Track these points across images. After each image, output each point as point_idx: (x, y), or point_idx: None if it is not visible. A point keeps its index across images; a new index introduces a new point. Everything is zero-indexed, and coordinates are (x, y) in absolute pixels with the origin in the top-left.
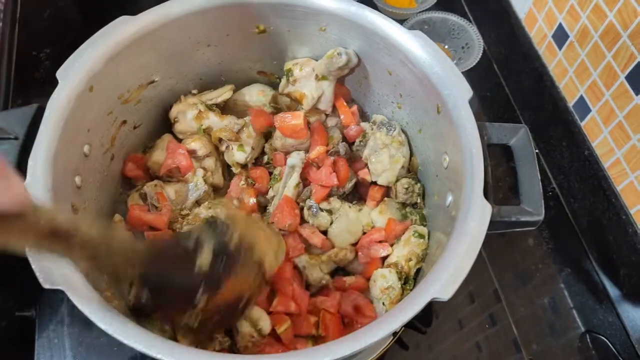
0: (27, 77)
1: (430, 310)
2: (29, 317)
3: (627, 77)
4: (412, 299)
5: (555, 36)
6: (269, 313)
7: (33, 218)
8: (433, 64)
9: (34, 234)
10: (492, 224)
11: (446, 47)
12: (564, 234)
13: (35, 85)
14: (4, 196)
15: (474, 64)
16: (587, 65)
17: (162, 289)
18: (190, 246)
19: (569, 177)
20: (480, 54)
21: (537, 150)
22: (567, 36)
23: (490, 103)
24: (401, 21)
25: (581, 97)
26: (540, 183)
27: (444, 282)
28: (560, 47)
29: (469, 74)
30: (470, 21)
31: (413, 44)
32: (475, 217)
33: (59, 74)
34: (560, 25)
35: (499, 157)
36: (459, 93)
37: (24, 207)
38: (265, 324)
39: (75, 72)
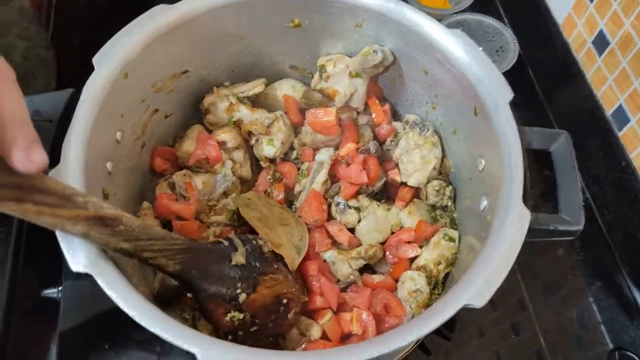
0: (63, 63)
1: (454, 316)
2: (53, 298)
3: None
4: (443, 305)
5: (595, 42)
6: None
7: (82, 203)
8: (472, 64)
9: (84, 218)
10: (530, 232)
11: (480, 49)
12: (596, 246)
13: (71, 72)
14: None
15: (508, 67)
16: (628, 73)
17: (201, 284)
18: (225, 245)
19: (603, 187)
20: (516, 58)
21: None
22: (608, 43)
23: (524, 109)
24: None
25: (620, 106)
26: (580, 192)
27: (478, 289)
28: (600, 54)
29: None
30: (506, 24)
31: (452, 43)
32: (513, 224)
33: (95, 60)
34: (601, 32)
35: (530, 163)
36: (499, 94)
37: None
38: (314, 329)
39: (110, 59)
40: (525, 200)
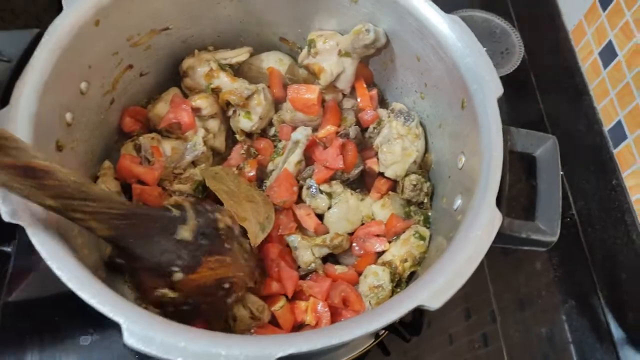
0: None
1: (422, 320)
2: (6, 252)
3: None
4: (398, 302)
5: (602, 53)
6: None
7: (9, 149)
8: (466, 54)
9: (8, 165)
10: (500, 237)
11: (485, 49)
12: (575, 264)
13: (39, 11)
14: None
15: (511, 70)
16: (631, 89)
17: (136, 254)
18: (175, 215)
19: (590, 204)
20: (519, 62)
21: (562, 172)
22: (615, 55)
23: (521, 114)
24: None
25: (619, 122)
26: (561, 202)
27: (435, 290)
28: (605, 66)
29: (504, 80)
30: (514, 26)
31: (448, 29)
32: (482, 225)
33: (65, 0)
34: (609, 42)
35: (519, 171)
36: (489, 89)
37: None
38: (266, 314)
39: (82, 1)
40: (499, 203)
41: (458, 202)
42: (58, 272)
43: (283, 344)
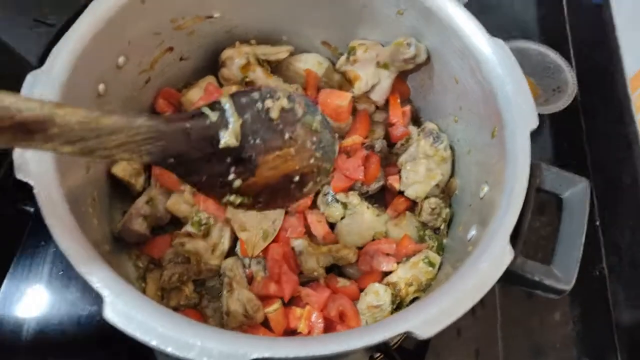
0: None
1: (425, 352)
2: (27, 211)
3: None
4: (385, 324)
5: None
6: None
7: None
8: (505, 81)
9: (4, 127)
10: (510, 276)
11: (535, 83)
12: (598, 321)
13: None
14: None
15: (561, 109)
16: None
17: (183, 172)
18: (212, 121)
19: (623, 261)
20: (570, 102)
21: (597, 223)
22: None
23: (564, 155)
24: None
25: None
26: (582, 250)
27: (427, 318)
28: None
29: (552, 118)
30: (571, 64)
31: (491, 53)
32: (490, 259)
33: None
34: None
35: (548, 211)
36: (523, 120)
37: None
38: (259, 314)
39: None
40: (515, 239)
41: (472, 232)
42: (53, 232)
43: (259, 346)
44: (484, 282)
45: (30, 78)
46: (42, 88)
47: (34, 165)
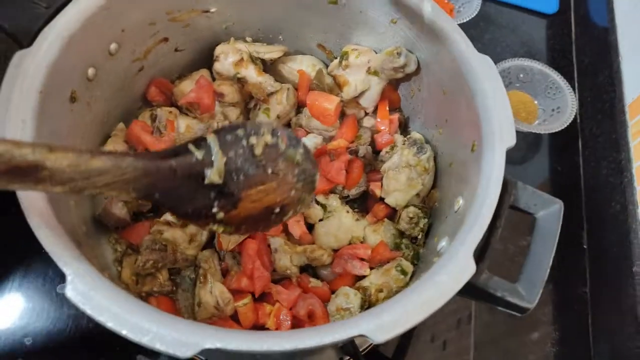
0: None
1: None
2: None
3: None
4: (341, 325)
5: None
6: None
7: None
8: (488, 96)
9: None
10: (474, 290)
11: (536, 102)
12: (576, 346)
13: None
14: None
15: (559, 129)
16: None
17: (170, 206)
18: (198, 158)
19: (607, 285)
20: (568, 123)
21: (585, 246)
22: None
23: (558, 174)
24: None
25: None
26: (548, 270)
27: (382, 323)
28: None
29: (550, 137)
30: (573, 86)
31: (478, 67)
32: (451, 272)
33: None
34: None
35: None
36: (501, 137)
37: None
38: (229, 306)
39: None
40: (482, 255)
41: (442, 244)
42: (25, 209)
43: (212, 337)
44: (441, 295)
45: (16, 58)
46: (26, 67)
47: (10, 136)
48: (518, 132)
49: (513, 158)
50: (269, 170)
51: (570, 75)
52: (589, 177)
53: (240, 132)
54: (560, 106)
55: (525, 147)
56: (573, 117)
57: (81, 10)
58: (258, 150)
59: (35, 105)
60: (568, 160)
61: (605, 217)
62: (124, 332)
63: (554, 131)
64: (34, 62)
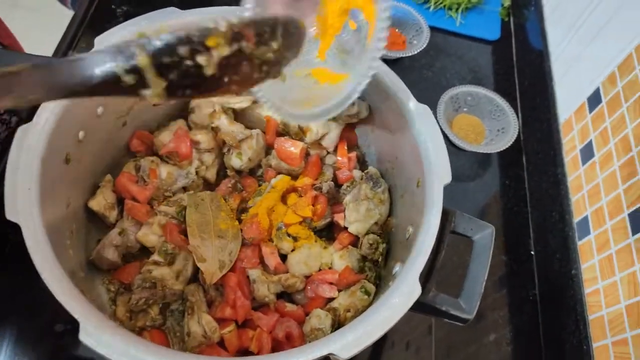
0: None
1: None
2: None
3: (630, 215)
4: (310, 346)
5: (582, 151)
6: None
7: None
8: (427, 140)
9: None
10: (423, 307)
11: (483, 124)
12: (528, 342)
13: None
14: None
15: (503, 148)
16: (599, 189)
17: None
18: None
19: (552, 289)
20: (511, 142)
21: (533, 252)
22: (592, 155)
23: (508, 190)
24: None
25: (586, 217)
26: (484, 285)
27: (347, 342)
28: (583, 163)
29: (498, 155)
30: (517, 108)
31: (418, 115)
32: (402, 294)
33: (97, 39)
34: (590, 142)
35: (467, 254)
36: (439, 175)
37: None
38: (216, 335)
39: (110, 41)
40: (429, 276)
41: (396, 268)
42: (38, 266)
43: None
44: (394, 314)
45: (20, 133)
46: (31, 137)
47: (20, 205)
48: (469, 152)
49: (467, 175)
50: (226, 80)
51: (513, 97)
52: (533, 190)
53: (182, 50)
54: (505, 126)
55: (477, 165)
56: (516, 136)
57: None
58: (209, 70)
59: (37, 173)
60: (514, 175)
61: (548, 225)
62: None
63: (499, 150)
64: (36, 134)
